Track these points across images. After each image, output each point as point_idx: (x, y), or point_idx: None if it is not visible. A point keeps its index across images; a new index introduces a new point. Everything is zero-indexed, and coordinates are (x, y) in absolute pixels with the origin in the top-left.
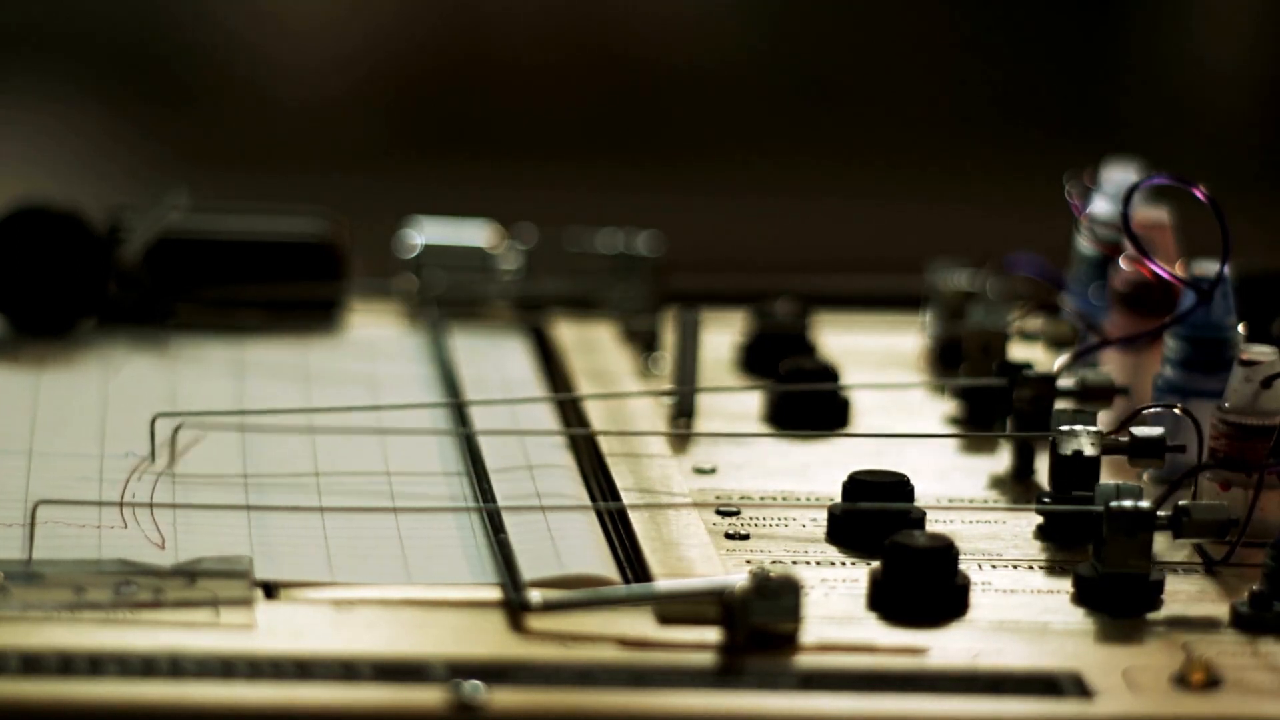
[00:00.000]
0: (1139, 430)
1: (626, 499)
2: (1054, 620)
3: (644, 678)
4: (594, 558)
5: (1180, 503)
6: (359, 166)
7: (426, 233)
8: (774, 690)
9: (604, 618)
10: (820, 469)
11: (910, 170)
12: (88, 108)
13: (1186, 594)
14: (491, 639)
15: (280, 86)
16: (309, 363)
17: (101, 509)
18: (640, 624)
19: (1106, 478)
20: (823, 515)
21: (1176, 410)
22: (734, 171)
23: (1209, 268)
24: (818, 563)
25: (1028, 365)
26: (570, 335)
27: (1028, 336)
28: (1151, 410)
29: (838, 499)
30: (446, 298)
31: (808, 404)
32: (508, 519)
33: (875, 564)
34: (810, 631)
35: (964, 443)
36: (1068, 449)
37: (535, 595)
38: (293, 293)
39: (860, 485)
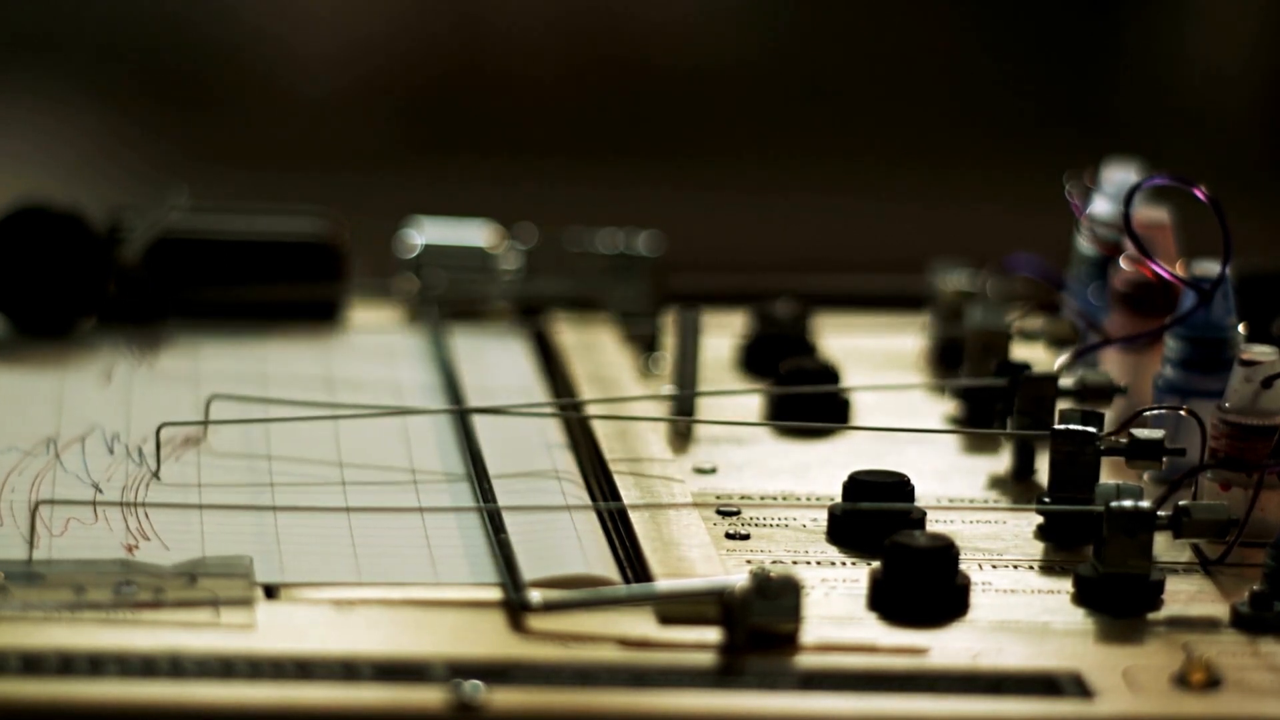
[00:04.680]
0: (1139, 432)
1: (627, 499)
2: (1054, 620)
3: (644, 678)
4: (594, 558)
5: (1180, 503)
6: (360, 166)
7: (426, 233)
8: (774, 690)
9: (604, 618)
10: (820, 469)
11: (910, 170)
12: (88, 108)
13: (1186, 594)
14: (491, 639)
15: (281, 86)
16: (309, 363)
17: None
18: (640, 624)
19: (1106, 478)
20: (823, 515)
21: (1182, 412)
22: (734, 171)
23: (1209, 268)
24: (818, 563)
25: (1027, 365)
26: (570, 335)
27: (1028, 336)
28: (1153, 412)
29: (838, 499)
30: (446, 298)
31: (808, 404)
32: (508, 519)
33: (875, 564)
34: (810, 631)
35: (964, 443)
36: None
37: (535, 595)
38: (293, 293)
39: (860, 485)
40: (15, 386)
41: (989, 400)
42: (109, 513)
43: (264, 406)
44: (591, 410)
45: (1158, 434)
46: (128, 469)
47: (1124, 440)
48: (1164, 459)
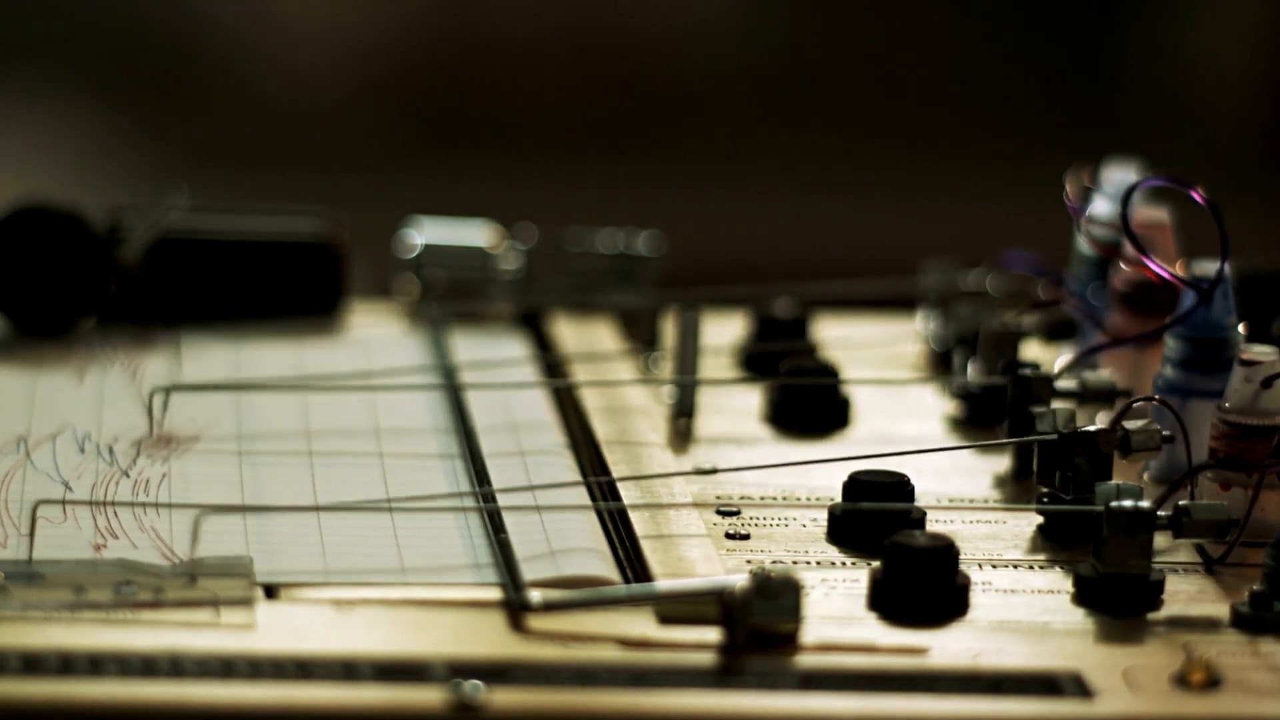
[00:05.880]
0: (1131, 424)
1: (627, 499)
2: (1054, 620)
3: (644, 678)
4: (594, 558)
5: (1180, 503)
6: (359, 166)
7: (426, 233)
8: (774, 690)
9: (604, 618)
10: (820, 469)
11: (910, 170)
12: (88, 108)
13: (1186, 594)
14: (491, 639)
15: (281, 86)
16: (309, 363)
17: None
18: (640, 624)
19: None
20: (823, 515)
21: (1155, 399)
22: (734, 172)
23: (1209, 268)
24: (818, 563)
25: (1035, 365)
26: (570, 335)
27: (1026, 332)
28: (1139, 404)
29: (838, 499)
30: (446, 298)
31: (808, 404)
32: (508, 519)
33: (875, 564)
34: (810, 631)
35: (964, 442)
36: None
37: (535, 595)
38: (293, 293)
39: (860, 485)
40: (11, 386)
41: (989, 400)
42: (77, 511)
43: (254, 397)
44: (592, 416)
45: (1106, 376)
46: (98, 467)
47: (1076, 386)
48: (1115, 400)
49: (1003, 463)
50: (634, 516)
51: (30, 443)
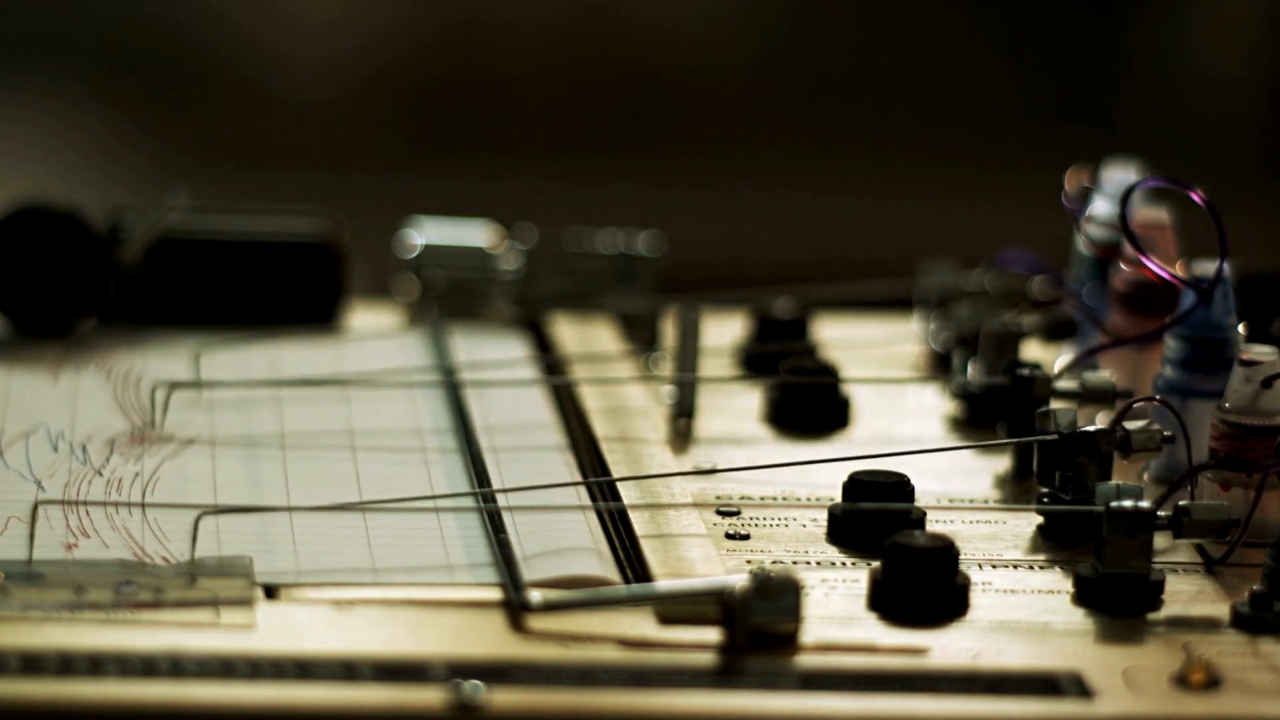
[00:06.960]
0: (1131, 424)
1: (627, 499)
2: (1054, 620)
3: (644, 678)
4: (594, 558)
5: (1180, 503)
6: (360, 166)
7: (426, 233)
8: (774, 690)
9: (604, 618)
10: (820, 469)
11: (910, 170)
12: (88, 107)
13: (1186, 594)
14: (491, 639)
15: (281, 87)
16: (309, 362)
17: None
18: (640, 624)
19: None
20: (823, 515)
21: (1156, 399)
22: (734, 172)
23: (1209, 268)
24: (818, 563)
25: (1037, 365)
26: (570, 335)
27: (1025, 332)
28: (1140, 404)
29: (838, 499)
30: (446, 298)
31: (808, 404)
32: (508, 519)
33: (875, 564)
34: (810, 631)
35: (964, 442)
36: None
37: (535, 595)
38: (293, 293)
39: (860, 485)
40: (11, 386)
41: (990, 400)
42: (49, 510)
43: (250, 397)
44: (592, 416)
45: (1106, 376)
46: (71, 466)
47: (1076, 386)
48: (1115, 401)
49: (1003, 463)
50: (634, 516)
51: (3, 441)
